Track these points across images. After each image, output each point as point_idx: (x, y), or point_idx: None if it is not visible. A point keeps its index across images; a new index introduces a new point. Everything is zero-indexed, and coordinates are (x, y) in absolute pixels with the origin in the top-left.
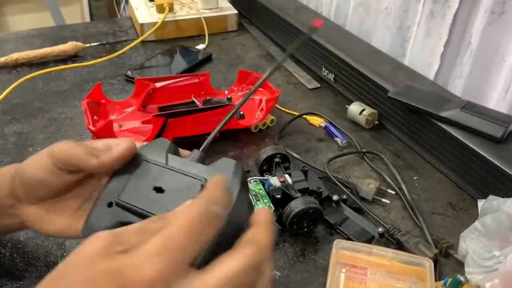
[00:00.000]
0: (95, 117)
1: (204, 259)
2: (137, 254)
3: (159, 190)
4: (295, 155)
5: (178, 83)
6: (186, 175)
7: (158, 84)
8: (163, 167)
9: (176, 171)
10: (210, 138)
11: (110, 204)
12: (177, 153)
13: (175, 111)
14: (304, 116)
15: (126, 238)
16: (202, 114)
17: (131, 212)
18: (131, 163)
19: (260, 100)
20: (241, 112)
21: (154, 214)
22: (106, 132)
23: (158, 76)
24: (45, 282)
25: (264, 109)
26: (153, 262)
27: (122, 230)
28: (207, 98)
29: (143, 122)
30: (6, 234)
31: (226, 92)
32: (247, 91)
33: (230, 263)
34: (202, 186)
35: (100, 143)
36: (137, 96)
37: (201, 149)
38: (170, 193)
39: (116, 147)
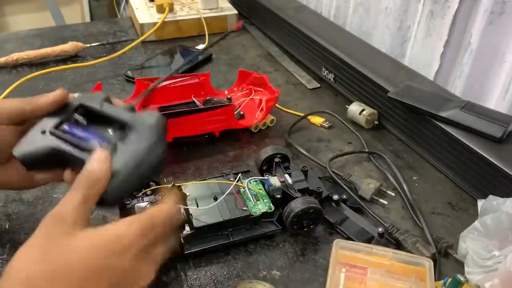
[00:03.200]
0: None
1: None
2: None
3: (88, 125)
4: (303, 151)
5: (178, 83)
6: (113, 117)
7: (157, 85)
8: (97, 110)
9: (108, 115)
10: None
11: (43, 132)
12: (110, 103)
13: (175, 111)
14: (308, 116)
15: None
16: (202, 114)
17: (63, 140)
18: (65, 107)
19: (260, 100)
20: (241, 112)
21: (83, 146)
22: None
23: (158, 76)
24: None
25: (264, 109)
26: None
27: None
28: (207, 98)
29: None
30: None
31: (226, 92)
32: (247, 91)
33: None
34: (128, 127)
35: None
36: (135, 97)
37: (134, 101)
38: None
39: (49, 94)
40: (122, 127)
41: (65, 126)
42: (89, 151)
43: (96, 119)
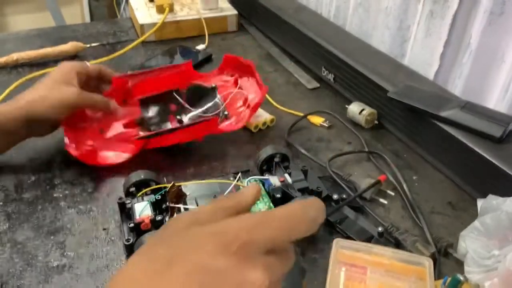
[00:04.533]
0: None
1: None
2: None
3: None
4: (303, 151)
5: (157, 75)
6: None
7: (136, 79)
8: None
9: None
10: None
11: None
12: None
13: (156, 131)
14: (308, 115)
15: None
16: (184, 130)
17: None
18: None
19: (246, 97)
20: (226, 112)
21: None
22: (89, 159)
23: None
24: (144, 250)
25: (251, 106)
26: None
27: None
28: (191, 84)
29: (125, 125)
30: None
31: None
32: (234, 77)
33: None
34: None
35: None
36: (114, 94)
37: None
38: None
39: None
40: None
41: None
42: None
43: None
